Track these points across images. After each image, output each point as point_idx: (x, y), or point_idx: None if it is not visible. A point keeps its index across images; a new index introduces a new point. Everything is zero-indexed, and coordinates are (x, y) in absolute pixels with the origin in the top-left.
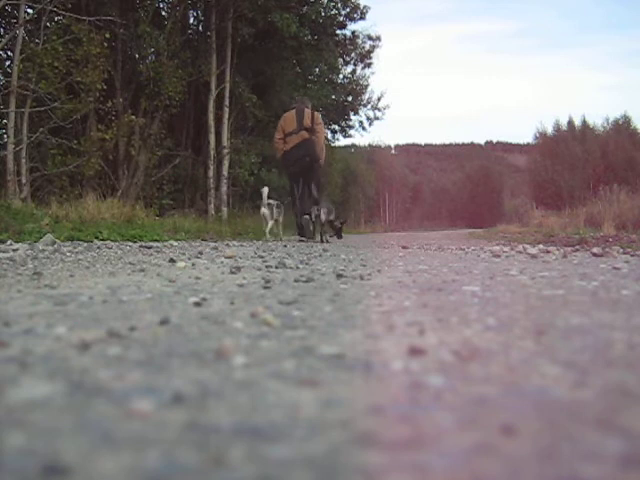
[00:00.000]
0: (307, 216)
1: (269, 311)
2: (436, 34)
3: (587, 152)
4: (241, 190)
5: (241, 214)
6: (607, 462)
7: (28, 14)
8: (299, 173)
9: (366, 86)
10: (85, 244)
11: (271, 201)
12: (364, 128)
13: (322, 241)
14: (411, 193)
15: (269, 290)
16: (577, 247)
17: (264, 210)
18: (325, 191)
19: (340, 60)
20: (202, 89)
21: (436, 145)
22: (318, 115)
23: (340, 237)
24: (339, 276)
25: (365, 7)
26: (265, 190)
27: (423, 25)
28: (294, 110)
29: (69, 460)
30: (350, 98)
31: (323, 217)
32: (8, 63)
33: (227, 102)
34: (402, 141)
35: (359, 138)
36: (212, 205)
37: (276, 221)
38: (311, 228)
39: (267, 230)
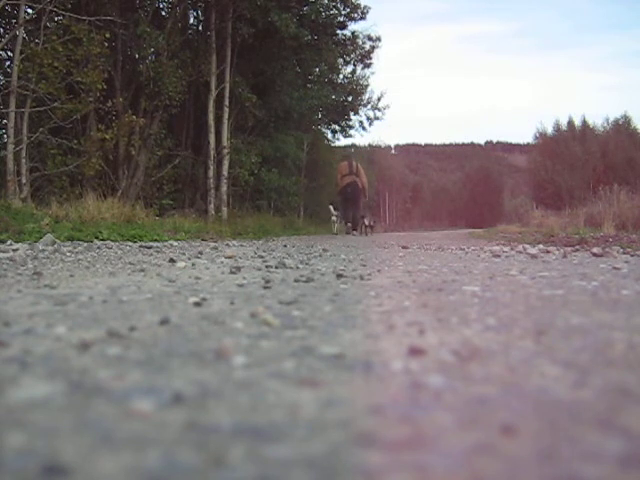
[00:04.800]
0: (351, 222)
1: (269, 311)
2: (436, 34)
3: (587, 152)
4: (241, 190)
5: (241, 214)
6: (607, 462)
7: (28, 14)
8: (349, 199)
9: (366, 86)
10: (85, 244)
11: (336, 212)
12: (364, 128)
13: (366, 234)
14: (411, 193)
15: (269, 290)
16: (577, 247)
17: (333, 218)
18: (367, 204)
19: (340, 60)
20: (202, 89)
21: (436, 145)
22: (360, 165)
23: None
24: (339, 276)
25: (365, 7)
26: (331, 207)
27: (423, 25)
28: (346, 161)
29: (69, 460)
30: (350, 98)
31: (368, 222)
32: (8, 63)
33: (227, 102)
34: (402, 141)
35: (359, 138)
36: (212, 205)
37: (335, 224)
38: (352, 229)
39: (335, 229)
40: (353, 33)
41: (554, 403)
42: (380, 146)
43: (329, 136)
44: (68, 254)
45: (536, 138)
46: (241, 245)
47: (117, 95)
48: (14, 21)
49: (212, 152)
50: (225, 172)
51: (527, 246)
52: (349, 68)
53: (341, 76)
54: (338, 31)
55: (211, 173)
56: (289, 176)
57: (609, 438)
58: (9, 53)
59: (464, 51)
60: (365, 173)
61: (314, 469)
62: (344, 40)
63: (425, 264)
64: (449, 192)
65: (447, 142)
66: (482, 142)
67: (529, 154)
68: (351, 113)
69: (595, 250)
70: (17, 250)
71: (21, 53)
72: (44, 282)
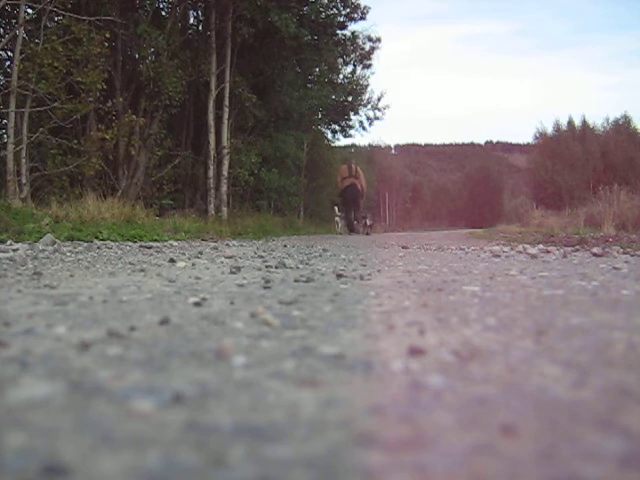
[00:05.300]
0: (352, 222)
1: (269, 311)
2: (436, 34)
3: (587, 152)
4: (241, 190)
5: (241, 214)
6: (607, 462)
7: (28, 14)
8: (349, 200)
9: (366, 86)
10: (85, 244)
11: (339, 213)
12: (364, 128)
13: (366, 234)
14: (411, 193)
15: (269, 290)
16: (577, 247)
17: (337, 218)
18: (367, 205)
19: (340, 60)
20: (202, 89)
21: (436, 145)
22: (359, 169)
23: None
24: (339, 276)
25: (365, 7)
26: (336, 207)
27: (423, 25)
28: (347, 165)
29: (69, 460)
30: (350, 98)
31: (368, 222)
32: (8, 63)
33: (227, 102)
34: (402, 141)
35: (359, 138)
36: (212, 205)
37: (339, 224)
38: (353, 228)
39: (338, 229)
40: (353, 33)
41: (554, 403)
42: (380, 146)
43: (329, 136)
44: (68, 254)
45: (536, 138)
46: (241, 245)
47: (117, 95)
48: (14, 21)
49: (212, 152)
50: (225, 172)
51: (527, 246)
52: (349, 68)
53: (341, 76)
54: (338, 31)
55: (211, 173)
56: (289, 176)
57: (609, 438)
58: (9, 53)
59: (464, 51)
60: (364, 174)
61: (314, 469)
62: (344, 40)
63: (425, 264)
64: (449, 192)
65: (447, 142)
66: (482, 142)
67: (529, 154)
68: (351, 113)
69: (595, 250)
70: (17, 250)
71: (21, 53)
72: (44, 282)
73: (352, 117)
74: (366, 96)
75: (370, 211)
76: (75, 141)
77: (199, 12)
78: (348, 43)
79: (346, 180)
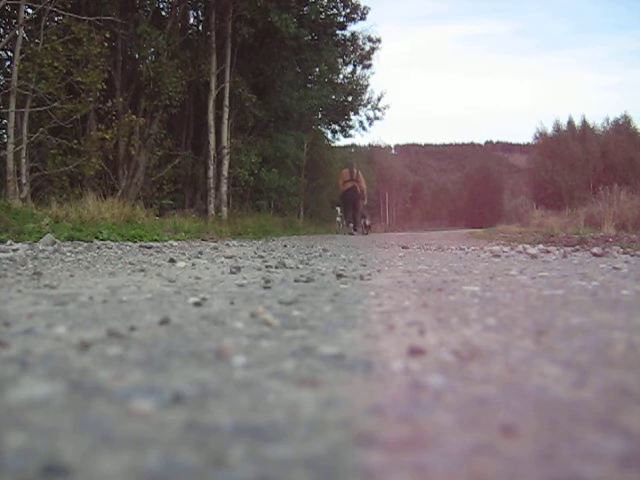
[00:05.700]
0: (352, 223)
1: (269, 311)
2: (436, 34)
3: (587, 152)
4: (241, 190)
5: (241, 214)
6: (607, 462)
7: (28, 14)
8: (349, 202)
9: (366, 86)
10: (85, 244)
11: (341, 214)
12: (364, 128)
13: (366, 234)
14: (411, 193)
15: (269, 290)
16: (577, 247)
17: (338, 219)
18: (367, 206)
19: (340, 60)
20: (202, 89)
21: (436, 145)
22: (360, 173)
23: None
24: (339, 276)
25: (365, 8)
26: (338, 208)
27: (423, 25)
28: (348, 169)
29: (69, 460)
30: (350, 98)
31: (367, 222)
32: (8, 63)
33: (227, 102)
34: (402, 141)
35: (359, 138)
36: (212, 205)
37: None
38: (353, 229)
39: (339, 228)
40: (353, 34)
41: (554, 403)
42: (380, 146)
43: (329, 136)
44: (68, 254)
45: (536, 138)
46: (241, 245)
47: (117, 95)
48: (14, 21)
49: (212, 152)
50: (225, 172)
51: (527, 246)
52: (349, 68)
53: (341, 76)
54: (338, 31)
55: (211, 173)
56: (289, 176)
57: (609, 438)
58: (9, 53)
59: (464, 51)
60: (364, 177)
61: (314, 469)
62: (344, 40)
63: (425, 264)
64: (449, 192)
65: (447, 142)
66: (482, 142)
67: (529, 154)
68: (351, 113)
69: (595, 250)
70: (17, 250)
71: (21, 53)
72: (44, 282)
73: (352, 117)
74: (366, 96)
75: (369, 211)
76: (75, 141)
77: (199, 12)
78: (348, 43)
79: (347, 183)
